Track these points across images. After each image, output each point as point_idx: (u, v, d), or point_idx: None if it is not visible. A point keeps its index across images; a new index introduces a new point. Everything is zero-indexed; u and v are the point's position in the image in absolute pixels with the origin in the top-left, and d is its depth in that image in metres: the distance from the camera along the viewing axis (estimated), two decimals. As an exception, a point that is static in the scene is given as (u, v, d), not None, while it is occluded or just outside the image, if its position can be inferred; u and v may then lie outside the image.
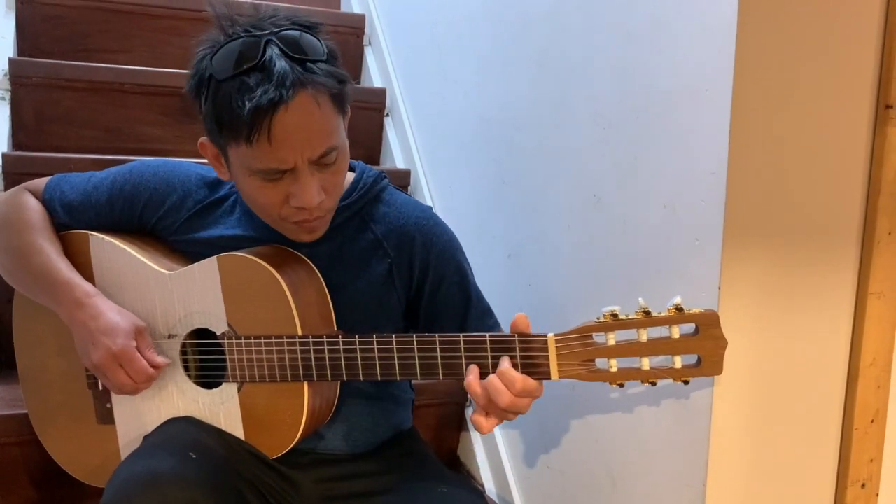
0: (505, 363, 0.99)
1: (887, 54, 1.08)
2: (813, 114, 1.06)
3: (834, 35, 1.05)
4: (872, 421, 1.14)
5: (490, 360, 1.00)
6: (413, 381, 1.34)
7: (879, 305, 1.12)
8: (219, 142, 1.04)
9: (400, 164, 2.06)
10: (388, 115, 2.17)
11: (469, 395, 1.01)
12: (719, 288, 1.02)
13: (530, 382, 0.99)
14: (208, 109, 1.01)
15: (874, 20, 1.07)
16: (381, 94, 2.16)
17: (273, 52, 0.97)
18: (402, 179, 1.97)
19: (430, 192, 1.92)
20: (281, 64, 0.96)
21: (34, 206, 1.18)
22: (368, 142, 2.17)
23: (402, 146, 2.09)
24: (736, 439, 1.07)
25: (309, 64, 0.98)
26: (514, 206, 1.51)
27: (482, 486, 1.58)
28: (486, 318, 1.23)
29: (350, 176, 1.19)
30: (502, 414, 1.00)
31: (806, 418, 1.13)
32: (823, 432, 1.14)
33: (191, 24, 2.12)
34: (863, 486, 1.15)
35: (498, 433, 1.57)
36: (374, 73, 2.28)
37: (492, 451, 1.58)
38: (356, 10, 2.44)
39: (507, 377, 0.98)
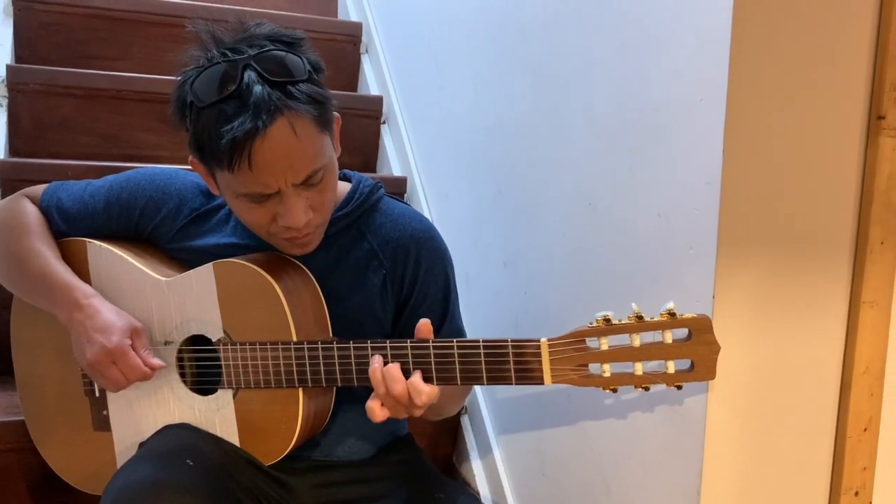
0: (416, 376, 1.01)
1: (879, 65, 1.09)
2: (806, 124, 1.06)
3: (827, 46, 1.06)
4: (866, 429, 1.15)
5: (484, 365, 1.01)
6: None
7: (872, 314, 1.12)
8: (205, 164, 1.05)
9: (396, 172, 2.07)
10: (384, 122, 2.18)
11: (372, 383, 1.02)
12: (713, 296, 1.02)
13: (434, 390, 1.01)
14: (191, 135, 1.02)
15: (866, 31, 1.08)
16: (377, 101, 2.17)
17: (251, 77, 0.97)
18: (399, 187, 1.98)
19: (426, 199, 1.93)
20: (258, 90, 0.96)
21: (32, 212, 1.19)
22: (365, 149, 2.17)
23: (398, 154, 2.09)
24: (730, 447, 1.08)
25: (289, 87, 0.98)
26: (510, 215, 1.52)
27: (477, 492, 1.58)
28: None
29: (346, 186, 1.19)
30: (395, 407, 1.01)
31: (800, 426, 1.13)
32: (817, 440, 1.15)
33: (188, 32, 2.12)
34: (856, 493, 1.16)
35: (494, 440, 1.57)
36: (371, 81, 2.29)
37: (487, 458, 1.59)
38: (353, 18, 2.45)
39: (415, 388, 1.00)
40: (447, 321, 1.22)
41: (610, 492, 1.24)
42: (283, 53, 1.00)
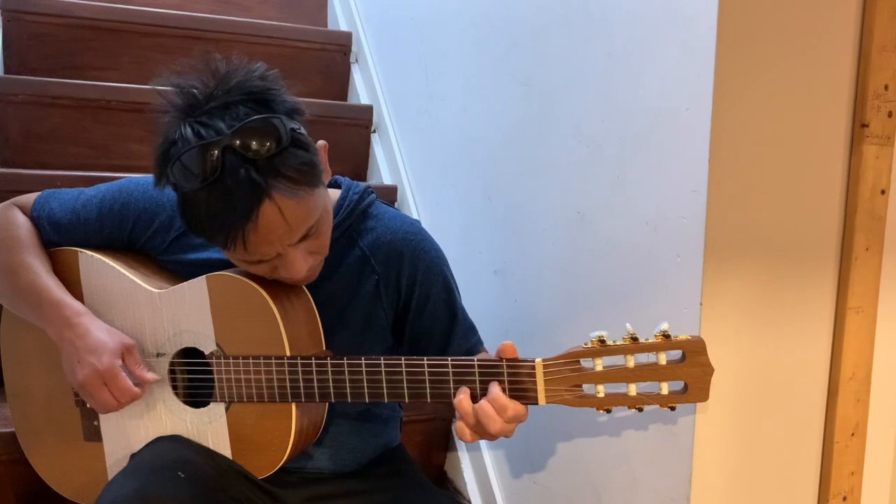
0: (495, 389, 0.98)
1: (862, 74, 1.10)
2: (791, 133, 1.08)
3: (810, 55, 1.07)
4: (853, 434, 1.16)
5: (478, 384, 1.00)
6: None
7: (858, 320, 1.13)
8: None
9: (387, 180, 2.07)
10: (374, 131, 2.18)
11: (458, 414, 1.00)
12: (701, 303, 1.03)
13: (520, 408, 0.98)
14: (181, 208, 1.00)
15: (849, 41, 1.10)
16: (367, 110, 2.18)
17: (232, 162, 0.93)
18: (389, 195, 1.98)
19: (416, 207, 1.93)
20: (242, 174, 0.93)
21: (22, 223, 1.18)
22: (355, 158, 2.18)
23: (388, 162, 2.10)
24: (719, 454, 1.08)
25: (273, 160, 0.94)
26: (499, 223, 1.52)
27: (469, 502, 1.58)
28: (469, 336, 1.23)
29: (336, 193, 1.19)
30: (489, 437, 1.00)
31: (788, 432, 1.14)
32: (805, 446, 1.16)
33: (178, 41, 2.12)
34: (844, 498, 1.17)
35: (485, 450, 1.57)
36: (361, 90, 2.29)
37: (479, 468, 1.59)
38: (343, 27, 2.46)
39: (498, 403, 0.97)
40: (458, 320, 1.21)
41: (600, 500, 1.24)
42: (261, 120, 0.95)
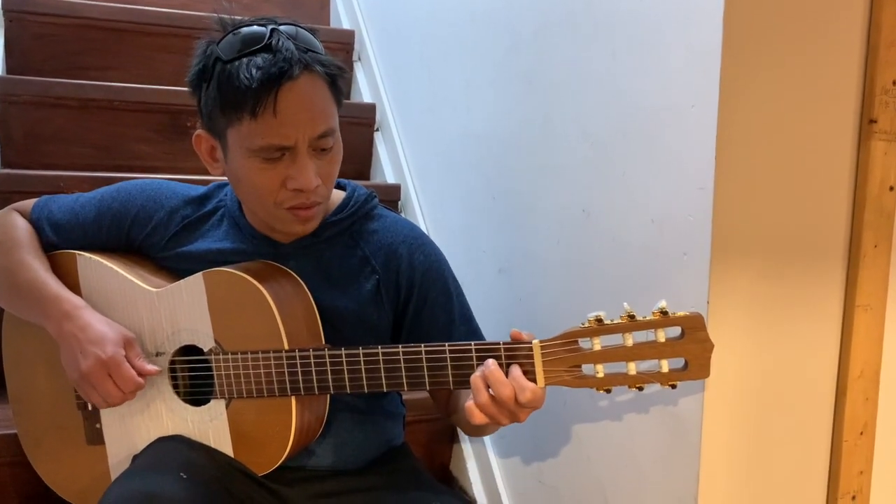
0: (516, 370, 0.98)
1: (870, 69, 1.09)
2: (798, 128, 1.07)
3: (818, 51, 1.06)
4: (862, 433, 1.15)
5: (476, 369, 1.00)
6: (404, 396, 1.34)
7: (867, 318, 1.12)
8: (219, 126, 1.06)
9: (390, 179, 2.07)
10: (377, 130, 2.18)
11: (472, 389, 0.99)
12: (708, 302, 1.02)
13: (539, 393, 0.98)
14: (212, 91, 1.04)
15: (857, 36, 1.09)
16: (370, 109, 2.17)
17: (280, 36, 1.02)
18: (393, 194, 1.98)
19: (420, 207, 1.93)
20: (288, 45, 1.02)
21: (22, 226, 1.19)
22: (359, 157, 2.17)
23: (392, 161, 2.09)
24: (727, 453, 1.08)
25: (310, 53, 1.04)
26: (504, 222, 1.52)
27: (474, 500, 1.57)
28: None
29: (340, 194, 1.20)
30: (499, 411, 0.98)
31: (796, 431, 1.13)
32: (814, 445, 1.15)
33: (182, 41, 2.12)
34: (853, 497, 1.16)
35: (490, 448, 1.57)
36: (364, 89, 2.29)
37: (484, 466, 1.58)
38: (346, 26, 2.45)
39: (518, 383, 0.97)
40: (455, 325, 1.20)
41: (607, 500, 1.23)
42: (301, 30, 1.07)
